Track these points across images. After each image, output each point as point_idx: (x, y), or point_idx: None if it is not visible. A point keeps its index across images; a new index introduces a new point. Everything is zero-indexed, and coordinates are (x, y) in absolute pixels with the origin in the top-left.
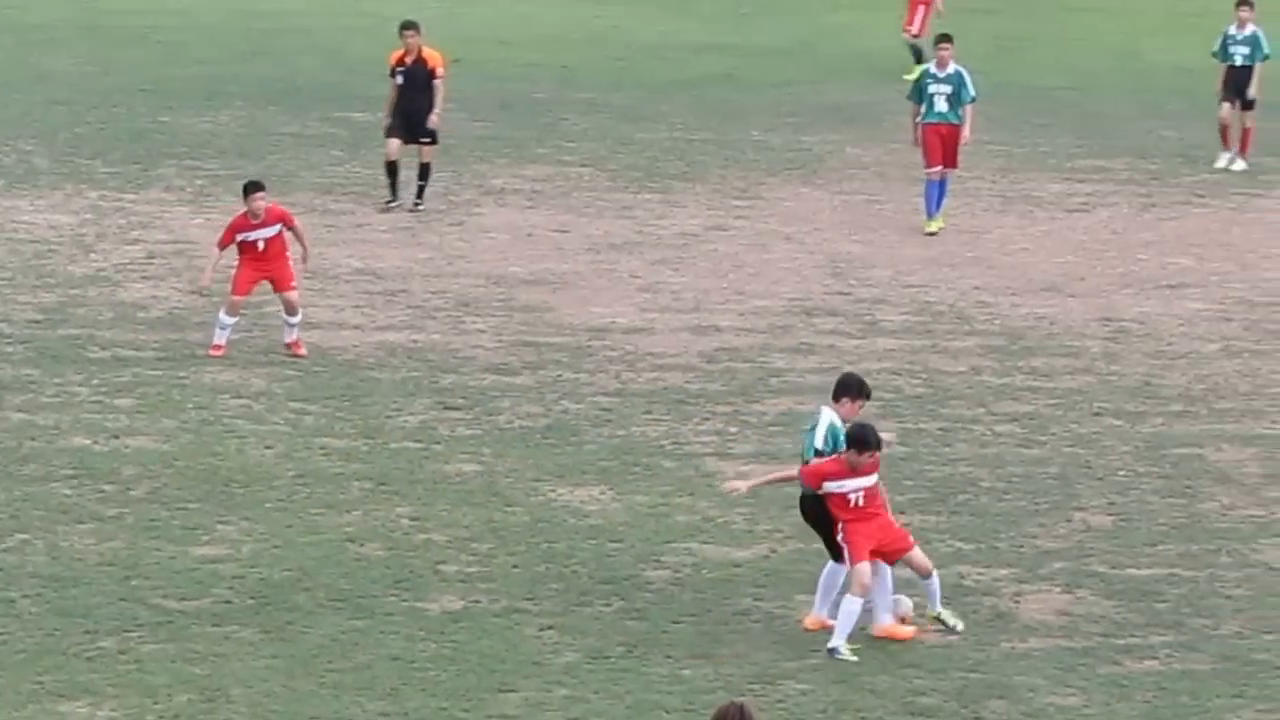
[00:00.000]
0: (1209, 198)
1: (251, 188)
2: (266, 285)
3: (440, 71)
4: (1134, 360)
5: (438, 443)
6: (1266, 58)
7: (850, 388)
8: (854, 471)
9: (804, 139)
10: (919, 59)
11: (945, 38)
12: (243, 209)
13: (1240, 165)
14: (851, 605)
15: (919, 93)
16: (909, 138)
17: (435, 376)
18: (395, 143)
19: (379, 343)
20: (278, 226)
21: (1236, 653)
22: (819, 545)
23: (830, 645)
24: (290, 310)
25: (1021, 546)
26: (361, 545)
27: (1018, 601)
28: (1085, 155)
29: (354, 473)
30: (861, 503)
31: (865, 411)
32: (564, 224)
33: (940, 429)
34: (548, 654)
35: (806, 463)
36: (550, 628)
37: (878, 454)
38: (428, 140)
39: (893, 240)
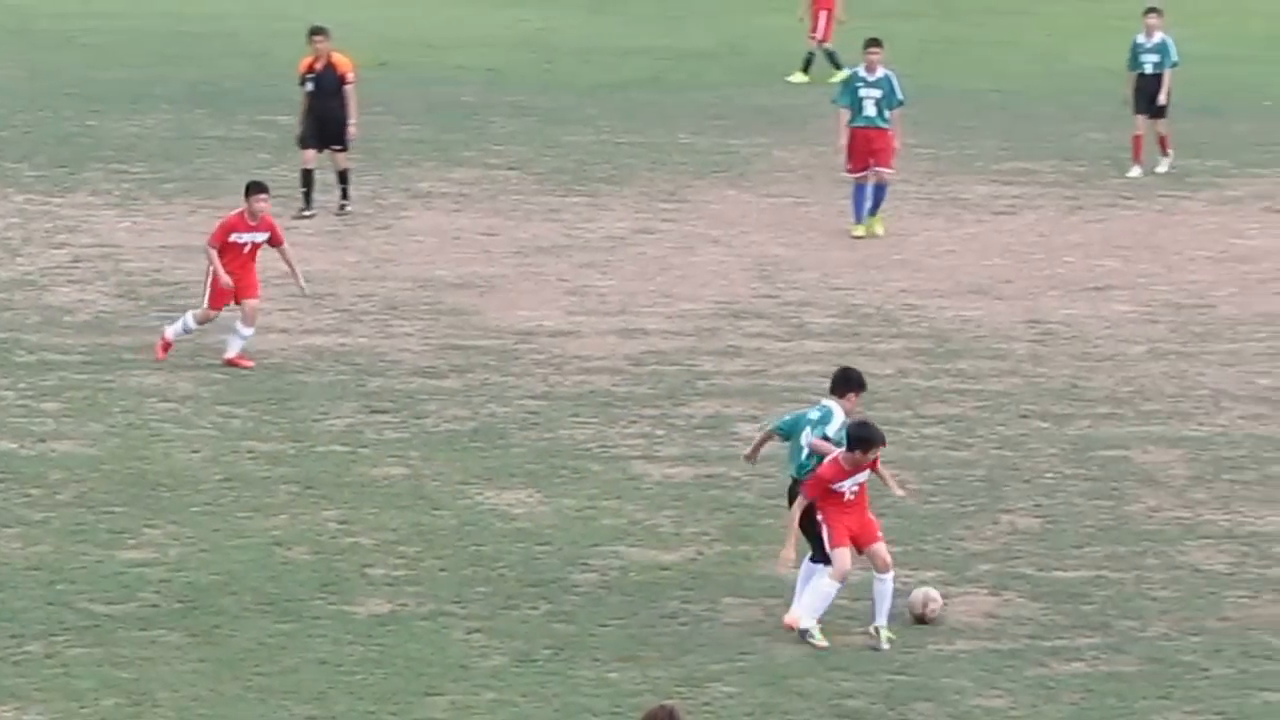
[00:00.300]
0: (1135, 200)
1: (256, 188)
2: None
3: (351, 77)
4: (1060, 362)
5: (365, 446)
6: (1176, 65)
7: (854, 382)
8: (854, 469)
9: (731, 142)
10: (836, 64)
11: (875, 42)
12: (236, 209)
13: (1135, 172)
14: (828, 588)
15: (848, 96)
16: (836, 141)
17: (362, 380)
18: (310, 152)
19: (306, 346)
20: (267, 234)
21: (1163, 654)
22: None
23: (801, 627)
24: (249, 320)
25: (949, 549)
26: (288, 549)
27: (946, 603)
28: (1011, 158)
29: (281, 476)
30: (852, 497)
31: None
32: (491, 227)
33: None
34: (475, 657)
35: (804, 465)
36: (477, 631)
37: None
38: (340, 147)
39: (820, 243)
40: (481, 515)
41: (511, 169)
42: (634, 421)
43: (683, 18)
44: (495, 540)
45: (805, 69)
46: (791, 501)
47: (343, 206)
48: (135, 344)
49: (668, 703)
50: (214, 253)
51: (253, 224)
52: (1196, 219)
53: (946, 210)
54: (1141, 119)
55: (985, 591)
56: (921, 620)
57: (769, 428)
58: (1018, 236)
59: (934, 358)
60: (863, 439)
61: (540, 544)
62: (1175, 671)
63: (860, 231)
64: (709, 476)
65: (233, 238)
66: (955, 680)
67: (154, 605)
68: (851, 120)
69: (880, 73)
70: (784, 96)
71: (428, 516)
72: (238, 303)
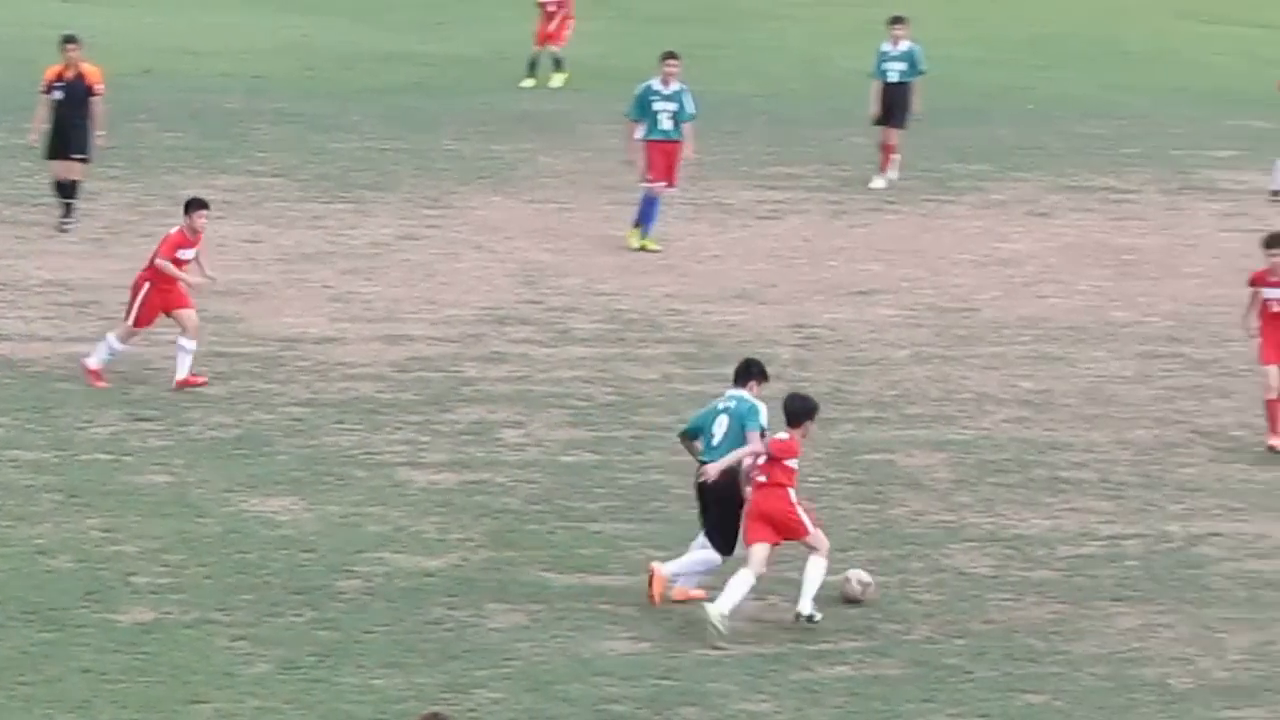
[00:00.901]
0: (899, 204)
1: (198, 204)
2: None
3: (99, 89)
4: (825, 367)
5: (129, 454)
6: (922, 74)
7: (755, 371)
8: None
9: (495, 148)
10: (532, 70)
11: (672, 55)
12: (175, 226)
13: (881, 183)
14: (820, 569)
15: (640, 109)
16: (629, 153)
17: (126, 388)
18: (58, 163)
19: (70, 354)
20: (196, 250)
21: (927, 657)
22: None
23: (803, 610)
24: (192, 333)
25: None
26: (52, 557)
27: (710, 608)
28: (776, 162)
29: (44, 484)
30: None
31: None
32: (255, 234)
33: (632, 436)
34: (239, 665)
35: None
36: (242, 638)
37: None
38: (81, 157)
39: (584, 248)
40: (246, 523)
41: (276, 176)
42: (399, 428)
43: (447, 24)
44: (260, 547)
45: (558, 69)
46: (703, 488)
47: (65, 223)
48: None
49: (433, 709)
50: (171, 266)
51: (193, 240)
52: (960, 223)
53: (711, 215)
54: (886, 128)
55: (751, 596)
56: (857, 600)
57: (680, 432)
58: (782, 241)
59: (699, 362)
60: (810, 408)
61: (305, 551)
62: (939, 674)
63: (640, 243)
64: (474, 482)
65: (180, 254)
66: (720, 684)
67: None
68: (648, 134)
69: (675, 86)
70: (548, 102)
71: (192, 524)
72: (168, 314)
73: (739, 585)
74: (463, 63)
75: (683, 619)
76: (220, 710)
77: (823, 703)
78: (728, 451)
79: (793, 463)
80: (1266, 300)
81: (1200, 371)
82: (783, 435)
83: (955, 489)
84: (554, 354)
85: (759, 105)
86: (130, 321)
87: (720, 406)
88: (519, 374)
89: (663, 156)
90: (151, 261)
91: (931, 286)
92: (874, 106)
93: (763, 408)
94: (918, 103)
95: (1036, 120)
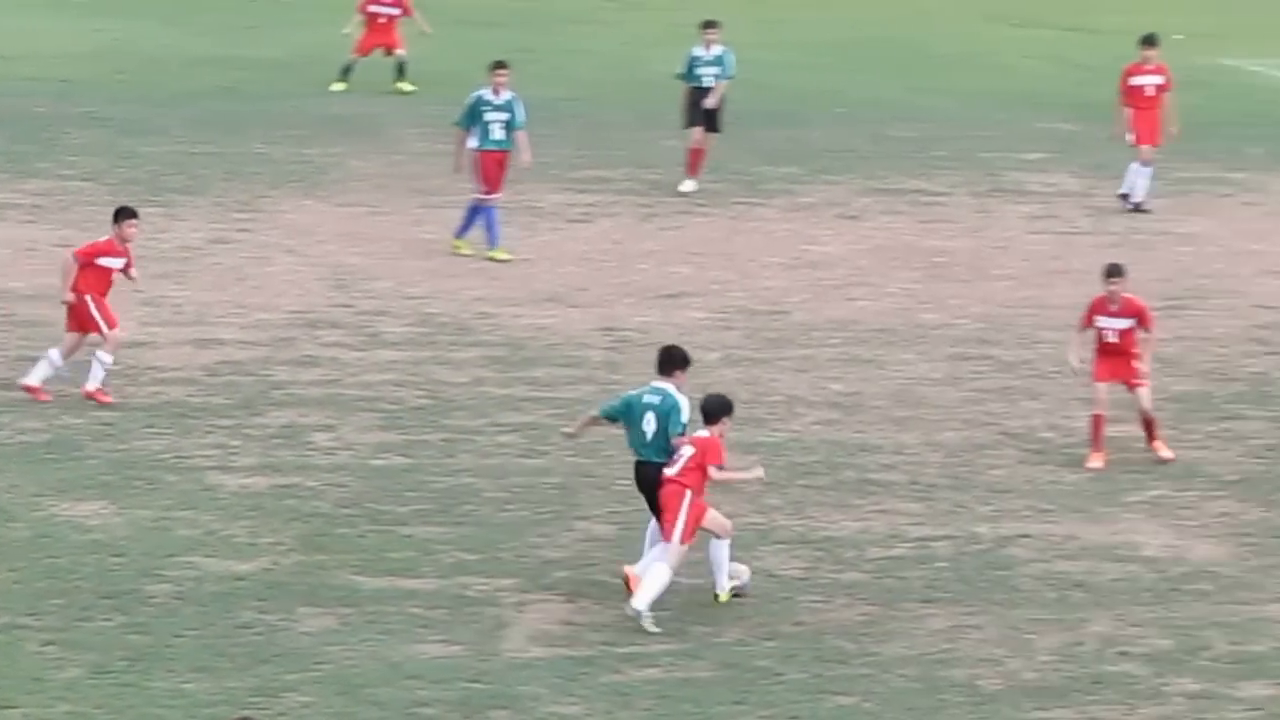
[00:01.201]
0: (709, 207)
1: (127, 213)
2: None
3: None
4: (635, 369)
5: None
6: (731, 78)
7: (678, 359)
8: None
9: (306, 151)
10: (346, 73)
11: (501, 65)
12: (105, 235)
13: (690, 186)
14: (665, 575)
15: (471, 118)
16: (456, 161)
17: None
18: None
19: None
20: (125, 260)
21: (738, 659)
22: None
23: (639, 607)
24: (113, 347)
25: (524, 556)
26: None
27: (521, 611)
28: (587, 165)
29: None
30: None
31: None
32: (65, 238)
33: (443, 440)
34: (49, 669)
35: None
36: (52, 643)
37: None
38: None
39: (395, 252)
40: (56, 527)
41: (85, 180)
42: (209, 432)
43: (257, 28)
44: (70, 552)
45: (343, 77)
46: (646, 484)
47: None
48: None
49: (243, 713)
50: (71, 266)
51: (122, 249)
52: (770, 226)
53: (521, 219)
54: (698, 132)
55: (562, 599)
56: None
57: (595, 412)
58: (592, 244)
59: (509, 366)
60: (727, 406)
61: (115, 555)
62: (750, 676)
63: (467, 249)
64: (284, 486)
65: (103, 261)
66: (531, 687)
67: None
68: (481, 143)
69: (506, 95)
70: (358, 106)
71: (0, 529)
72: (85, 332)
73: (720, 555)
74: (273, 66)
75: (494, 622)
76: (30, 715)
77: (633, 705)
78: (662, 449)
79: (714, 471)
80: (1102, 329)
81: (1009, 374)
82: (703, 433)
83: (765, 491)
84: (364, 357)
85: (570, 109)
86: (105, 329)
87: (646, 400)
88: (330, 378)
89: (496, 166)
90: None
91: (741, 289)
92: (686, 111)
93: (685, 404)
94: (713, 100)
95: (846, 123)
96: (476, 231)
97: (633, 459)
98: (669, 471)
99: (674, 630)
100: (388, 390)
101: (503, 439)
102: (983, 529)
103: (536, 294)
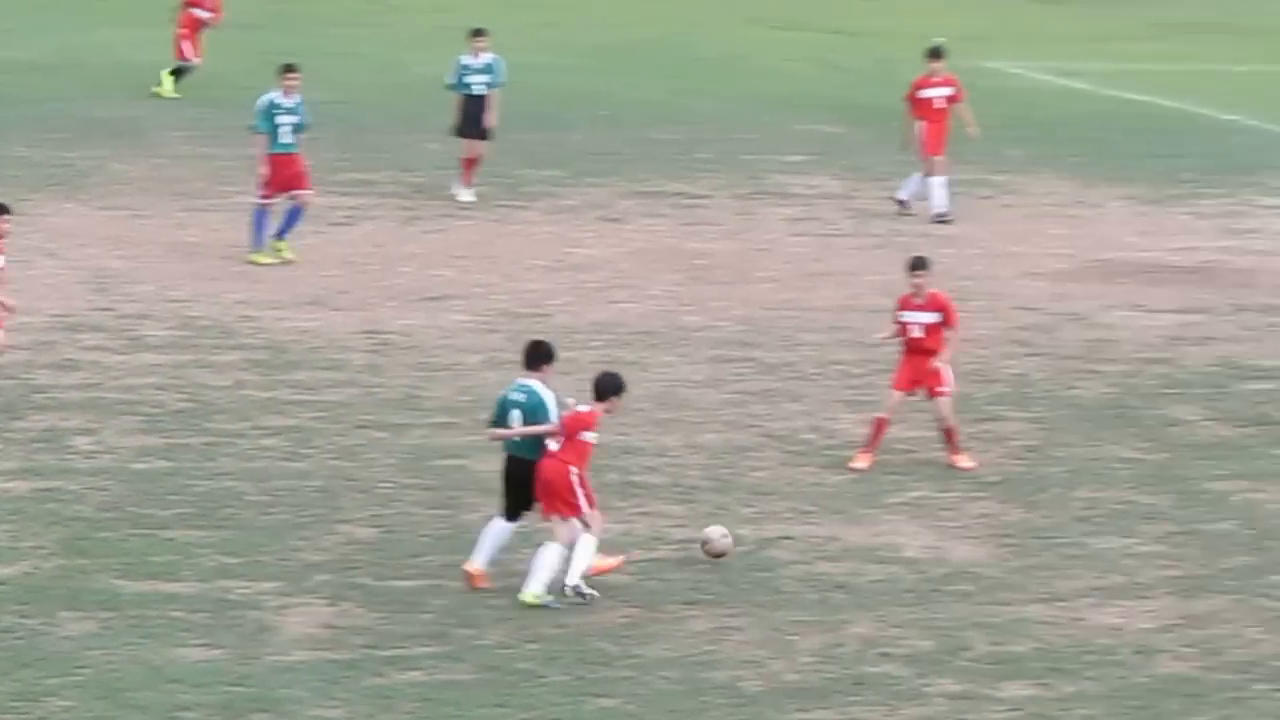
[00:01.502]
0: (472, 210)
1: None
2: None
3: None
4: (398, 372)
5: None
6: (501, 85)
7: (544, 354)
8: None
9: (67, 155)
10: (178, 75)
11: (290, 68)
12: None
13: (469, 195)
14: (591, 544)
15: (267, 121)
16: (259, 167)
17: None
18: None
19: None
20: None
21: (499, 662)
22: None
23: (571, 583)
24: None
25: (286, 560)
26: None
27: (282, 614)
28: (349, 169)
29: None
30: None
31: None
32: None
33: (205, 443)
34: None
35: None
36: None
37: None
38: None
39: (157, 255)
40: None
41: None
42: None
43: (14, 30)
44: None
45: (175, 78)
46: (514, 480)
47: None
48: None
49: (3, 718)
50: None
51: None
52: (532, 228)
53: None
54: (471, 141)
55: (323, 602)
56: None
57: (490, 428)
58: (354, 247)
59: (271, 369)
60: (619, 386)
61: None
62: (512, 679)
63: (265, 259)
64: (45, 490)
65: None
66: (293, 691)
67: None
68: (270, 146)
69: (296, 98)
70: (120, 109)
71: None
72: None
73: (548, 559)
74: (32, 69)
75: (255, 625)
76: None
77: (395, 709)
78: (531, 446)
79: (589, 436)
80: (907, 324)
81: (771, 375)
82: (583, 408)
83: None
84: (126, 361)
85: (331, 112)
86: None
87: (512, 398)
88: (91, 381)
89: (282, 169)
90: None
91: (504, 292)
92: (456, 119)
93: (551, 399)
94: (492, 118)
95: (609, 126)
96: (288, 232)
97: (502, 454)
98: (551, 446)
99: (436, 633)
100: (149, 394)
101: (265, 442)
102: (744, 530)
103: (299, 297)
